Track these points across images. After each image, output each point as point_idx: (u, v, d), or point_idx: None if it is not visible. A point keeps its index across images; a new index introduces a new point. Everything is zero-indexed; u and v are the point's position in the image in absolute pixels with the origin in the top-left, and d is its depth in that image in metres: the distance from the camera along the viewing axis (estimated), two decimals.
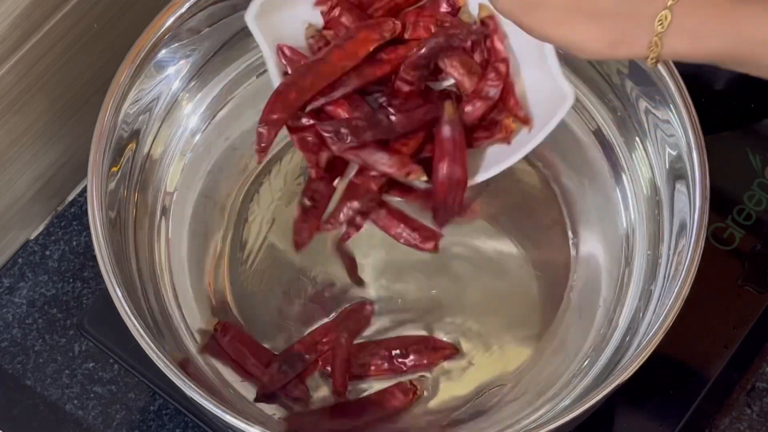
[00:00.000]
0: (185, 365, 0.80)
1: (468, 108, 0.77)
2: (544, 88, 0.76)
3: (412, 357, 0.83)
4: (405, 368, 0.83)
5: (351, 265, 0.85)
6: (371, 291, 0.86)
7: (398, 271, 0.87)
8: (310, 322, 0.85)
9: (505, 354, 0.85)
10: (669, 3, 0.58)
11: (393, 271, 0.87)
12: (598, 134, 0.90)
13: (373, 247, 0.87)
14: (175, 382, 0.72)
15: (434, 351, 0.84)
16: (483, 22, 0.77)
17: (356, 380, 0.83)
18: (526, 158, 0.90)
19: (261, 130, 0.73)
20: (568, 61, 0.90)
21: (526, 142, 0.77)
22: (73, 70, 0.90)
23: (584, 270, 0.87)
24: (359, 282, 0.86)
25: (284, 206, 0.89)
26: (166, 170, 0.88)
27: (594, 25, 0.61)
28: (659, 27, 0.59)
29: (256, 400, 0.81)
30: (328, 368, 0.82)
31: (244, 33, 0.90)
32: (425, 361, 0.83)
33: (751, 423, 0.87)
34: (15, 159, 0.89)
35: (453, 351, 0.84)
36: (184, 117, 0.89)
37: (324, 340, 0.83)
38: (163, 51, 0.84)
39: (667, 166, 0.83)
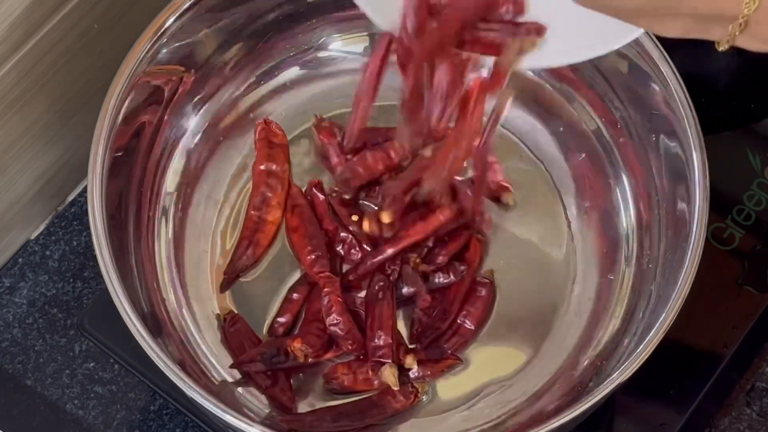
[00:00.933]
0: (185, 365, 0.80)
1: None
2: None
3: (415, 369, 0.83)
4: (408, 381, 0.83)
5: None
6: None
7: None
8: None
9: (505, 355, 0.85)
10: (745, 12, 0.58)
11: None
12: (598, 134, 0.90)
13: None
14: (175, 382, 0.72)
15: (437, 362, 0.83)
16: None
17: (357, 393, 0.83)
18: (527, 158, 0.91)
19: None
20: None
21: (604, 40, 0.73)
22: (74, 71, 0.90)
23: (584, 270, 0.87)
24: None
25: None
26: (166, 170, 0.88)
27: (673, 20, 0.61)
28: (734, 29, 0.60)
29: (231, 366, 0.82)
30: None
31: (244, 33, 0.90)
32: (429, 373, 0.83)
33: (750, 423, 0.87)
34: (15, 159, 0.89)
35: (456, 361, 0.84)
36: (184, 117, 0.89)
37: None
38: (163, 51, 0.84)
39: (667, 166, 0.83)
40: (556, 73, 0.91)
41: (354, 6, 0.74)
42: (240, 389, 0.82)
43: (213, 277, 0.87)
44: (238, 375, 0.83)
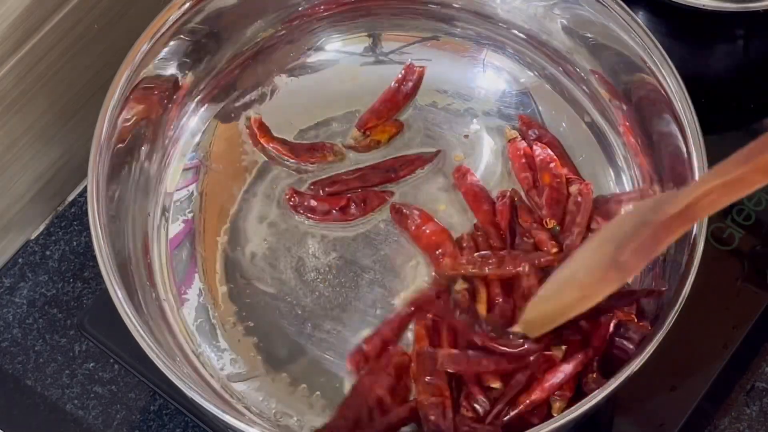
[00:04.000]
0: (185, 365, 0.80)
1: None
2: None
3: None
4: None
5: None
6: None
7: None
8: (308, 322, 0.85)
9: None
10: None
11: None
12: (598, 134, 0.90)
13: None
14: (175, 382, 0.72)
15: None
16: None
17: None
18: None
19: None
20: (568, 60, 0.90)
21: None
22: (74, 71, 0.90)
23: None
24: None
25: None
26: (166, 170, 0.88)
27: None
28: None
29: None
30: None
31: (244, 32, 0.90)
32: None
33: (750, 423, 0.87)
34: (15, 159, 0.89)
35: None
36: (184, 117, 0.89)
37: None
38: (163, 51, 0.84)
39: (668, 167, 0.83)
40: (555, 75, 0.91)
41: (354, 6, 0.74)
42: (240, 389, 0.82)
43: (212, 276, 0.87)
44: (236, 375, 0.83)
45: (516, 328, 0.78)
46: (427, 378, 0.79)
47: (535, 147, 0.88)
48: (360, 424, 0.79)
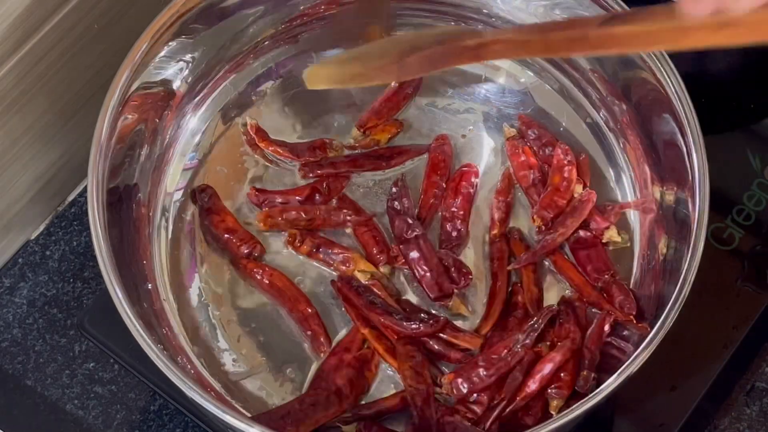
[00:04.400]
0: (185, 365, 0.80)
1: None
2: None
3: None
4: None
5: None
6: None
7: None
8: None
9: None
10: None
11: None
12: (598, 134, 0.90)
13: None
14: (175, 382, 0.72)
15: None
16: None
17: None
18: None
19: None
20: (568, 60, 0.90)
21: None
22: (74, 71, 0.90)
23: None
24: None
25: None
26: (166, 170, 0.89)
27: None
28: None
29: None
30: None
31: (245, 33, 0.90)
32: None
33: (750, 423, 0.87)
34: (15, 159, 0.89)
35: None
36: (184, 117, 0.89)
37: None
38: (163, 51, 0.84)
39: (668, 167, 0.83)
40: (555, 75, 0.92)
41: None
42: (240, 389, 0.82)
43: (212, 276, 0.87)
44: (237, 374, 0.83)
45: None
46: (411, 364, 0.80)
47: (558, 147, 0.88)
48: (317, 407, 0.80)
